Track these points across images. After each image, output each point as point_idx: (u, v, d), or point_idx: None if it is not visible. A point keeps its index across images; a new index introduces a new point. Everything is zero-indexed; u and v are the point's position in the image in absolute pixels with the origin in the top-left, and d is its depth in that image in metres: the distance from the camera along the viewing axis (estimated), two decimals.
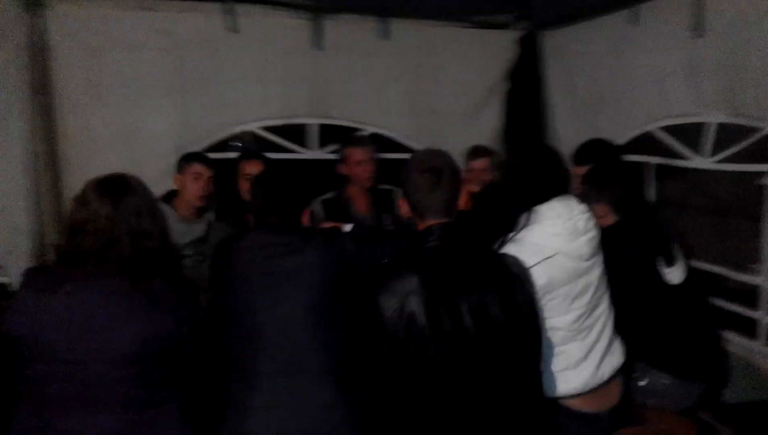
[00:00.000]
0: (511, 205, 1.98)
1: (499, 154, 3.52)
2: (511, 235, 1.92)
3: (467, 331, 1.56)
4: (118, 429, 1.57)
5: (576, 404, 1.93)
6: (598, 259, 2.01)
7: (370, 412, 1.65)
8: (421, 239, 1.68)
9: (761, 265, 2.53)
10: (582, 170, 2.54)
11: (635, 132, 2.99)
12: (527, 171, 1.97)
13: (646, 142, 2.98)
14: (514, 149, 2.14)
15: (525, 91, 3.87)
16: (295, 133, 3.69)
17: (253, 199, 2.00)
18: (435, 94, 3.78)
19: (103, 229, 1.57)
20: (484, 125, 3.87)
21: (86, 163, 3.19)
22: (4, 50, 3.01)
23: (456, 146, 3.41)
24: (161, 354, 1.61)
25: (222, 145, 3.57)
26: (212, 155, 3.32)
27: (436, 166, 1.69)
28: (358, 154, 3.21)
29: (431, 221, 1.68)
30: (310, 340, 1.80)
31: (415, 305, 1.54)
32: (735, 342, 2.64)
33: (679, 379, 2.22)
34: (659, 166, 2.95)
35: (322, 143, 3.69)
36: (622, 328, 2.10)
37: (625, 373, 2.08)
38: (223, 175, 3.13)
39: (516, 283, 1.68)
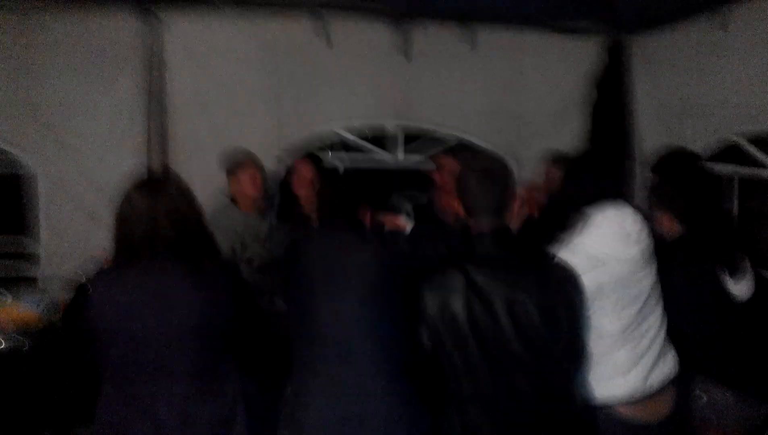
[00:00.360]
0: (568, 209, 2.02)
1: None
2: (565, 239, 1.96)
3: (504, 332, 1.66)
4: (186, 396, 1.77)
5: (624, 412, 1.93)
6: (651, 269, 2.00)
7: (419, 402, 1.82)
8: (471, 240, 1.77)
9: None
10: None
11: (720, 141, 2.94)
12: (585, 179, 2.04)
13: (732, 153, 2.92)
14: (574, 159, 2.16)
15: (610, 98, 3.84)
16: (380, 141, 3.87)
17: (319, 202, 2.14)
18: (518, 101, 3.85)
19: (145, 216, 1.74)
20: (567, 132, 3.89)
21: (191, 165, 3.48)
22: (125, 59, 3.35)
23: (537, 152, 3.50)
24: (220, 328, 1.80)
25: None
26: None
27: (489, 169, 1.79)
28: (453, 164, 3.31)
29: (482, 222, 1.76)
30: (364, 332, 1.91)
31: (456, 303, 1.65)
32: None
33: (744, 396, 2.16)
34: (744, 177, 2.88)
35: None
36: (684, 340, 2.10)
37: (679, 385, 2.07)
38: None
39: (560, 290, 1.75)
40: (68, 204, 3.37)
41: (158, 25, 3.36)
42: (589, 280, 1.83)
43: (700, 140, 3.08)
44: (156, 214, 1.74)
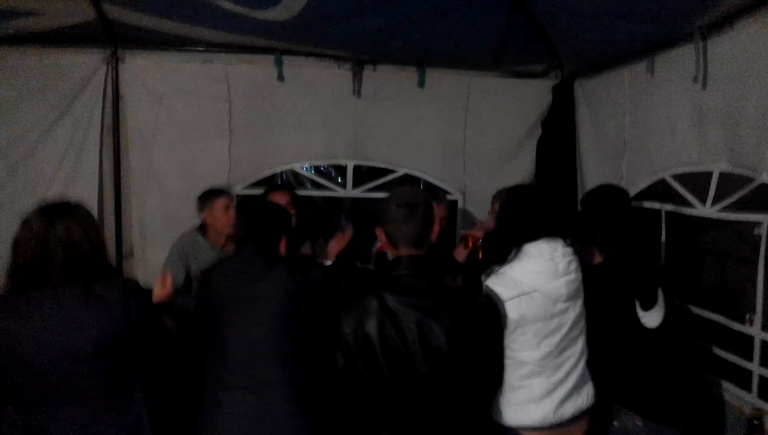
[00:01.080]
0: (503, 242, 2.11)
1: None
2: (497, 268, 2.04)
3: (413, 354, 1.72)
4: (87, 419, 1.80)
5: None
6: (577, 302, 2.06)
7: (326, 421, 1.86)
8: (390, 267, 1.85)
9: (755, 316, 2.50)
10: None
11: (652, 179, 3.03)
12: (519, 212, 2.09)
13: (662, 189, 3.02)
14: (510, 192, 2.23)
15: (557, 137, 3.98)
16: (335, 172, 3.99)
17: (235, 228, 2.23)
18: (468, 139, 3.98)
19: (38, 242, 1.78)
20: (516, 170, 4.00)
21: (147, 193, 3.62)
22: (85, 96, 3.51)
23: (488, 188, 3.58)
24: (117, 347, 1.83)
25: (265, 182, 3.90)
26: (255, 191, 3.71)
27: (411, 201, 1.86)
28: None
29: (403, 251, 1.85)
30: (273, 356, 1.98)
31: (371, 325, 1.73)
32: (731, 392, 2.58)
33: (652, 422, 2.20)
34: (672, 213, 2.97)
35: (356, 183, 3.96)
36: (598, 367, 2.14)
37: (592, 416, 2.11)
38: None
39: (471, 316, 1.79)
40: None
41: (117, 62, 3.53)
42: (512, 309, 1.93)
43: (635, 177, 3.19)
44: (48, 239, 1.78)
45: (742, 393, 2.53)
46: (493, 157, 4.00)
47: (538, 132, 4.03)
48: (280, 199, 3.06)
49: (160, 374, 2.01)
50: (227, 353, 1.99)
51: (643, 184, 3.11)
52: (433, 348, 1.72)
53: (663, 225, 3.00)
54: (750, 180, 2.38)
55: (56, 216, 1.83)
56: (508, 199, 2.20)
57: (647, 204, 3.08)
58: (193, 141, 3.67)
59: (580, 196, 3.73)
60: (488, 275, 2.04)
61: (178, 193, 3.57)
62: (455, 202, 3.98)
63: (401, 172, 3.93)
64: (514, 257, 2.03)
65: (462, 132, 3.96)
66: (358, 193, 3.93)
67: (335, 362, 1.77)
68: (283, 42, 3.54)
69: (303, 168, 4.06)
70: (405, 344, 1.72)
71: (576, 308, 2.06)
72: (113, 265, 2.05)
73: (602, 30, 2.91)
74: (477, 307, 1.84)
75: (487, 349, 1.83)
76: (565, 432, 2.03)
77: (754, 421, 2.32)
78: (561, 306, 2.00)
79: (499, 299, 1.95)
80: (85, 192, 3.49)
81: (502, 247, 2.09)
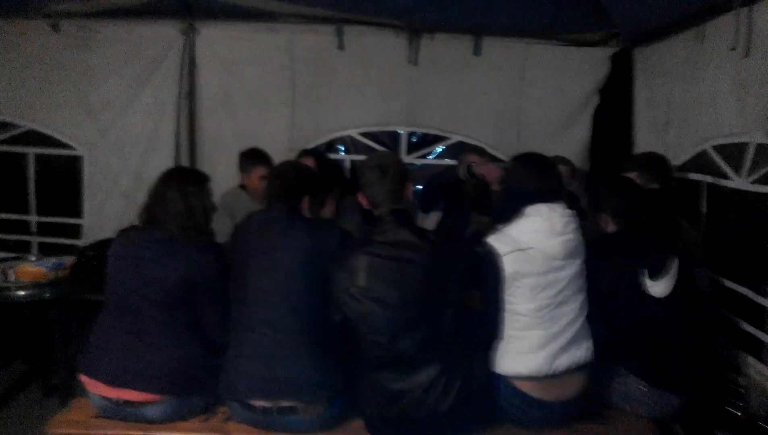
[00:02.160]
0: (507, 204, 2.23)
1: (575, 166, 3.66)
2: (500, 227, 2.17)
3: (405, 302, 1.97)
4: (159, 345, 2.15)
5: (525, 387, 2.11)
6: (574, 261, 2.14)
7: (333, 364, 2.12)
8: (374, 224, 2.08)
9: None
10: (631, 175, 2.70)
11: (695, 150, 3.00)
12: (523, 177, 2.22)
13: (705, 161, 2.99)
14: (515, 159, 2.35)
15: (614, 106, 3.94)
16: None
17: (266, 187, 2.42)
18: (523, 108, 4.02)
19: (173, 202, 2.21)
20: (571, 139, 4.00)
21: (216, 158, 3.94)
22: (165, 65, 3.86)
23: None
24: (188, 290, 2.16)
25: (327, 147, 4.13)
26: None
27: (382, 164, 2.09)
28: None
29: (382, 209, 2.08)
30: (287, 305, 2.16)
31: (361, 281, 1.98)
32: (748, 363, 2.57)
33: (653, 388, 2.25)
34: (712, 185, 2.93)
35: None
36: (604, 332, 2.21)
37: (589, 372, 2.19)
38: None
39: (452, 260, 2.03)
40: (107, 184, 3.88)
41: (193, 33, 3.84)
42: (508, 263, 2.08)
43: (680, 148, 3.15)
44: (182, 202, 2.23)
45: (759, 365, 2.53)
46: (548, 126, 4.01)
47: (596, 100, 3.99)
48: (307, 162, 3.23)
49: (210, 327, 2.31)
50: (248, 300, 2.19)
51: (686, 156, 3.07)
52: (411, 289, 1.97)
53: (705, 197, 2.97)
54: None
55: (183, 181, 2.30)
56: (513, 166, 2.33)
57: (691, 175, 3.06)
58: (259, 107, 3.96)
59: None
60: (492, 233, 2.16)
61: None
62: None
63: (455, 139, 4.04)
64: (516, 217, 2.15)
65: (518, 100, 4.00)
66: (412, 158, 4.09)
67: (333, 315, 2.07)
68: (341, 11, 3.71)
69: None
70: (391, 293, 1.97)
71: (573, 267, 2.14)
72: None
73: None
74: (459, 253, 2.07)
75: (460, 287, 2.05)
76: (558, 383, 2.12)
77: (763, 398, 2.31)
78: (557, 263, 2.09)
79: (498, 254, 2.08)
80: (163, 152, 3.88)
81: (505, 208, 2.22)
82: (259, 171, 3.31)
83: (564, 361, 2.12)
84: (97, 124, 3.90)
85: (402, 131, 4.09)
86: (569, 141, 3.98)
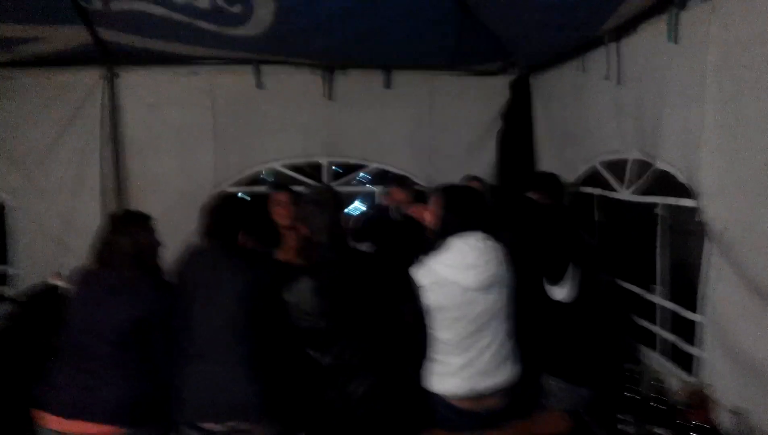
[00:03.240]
0: (437, 235, 2.37)
1: (488, 184, 3.98)
2: (425, 260, 2.34)
3: (342, 313, 2.22)
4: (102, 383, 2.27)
5: (454, 401, 2.31)
6: (490, 290, 2.27)
7: (274, 384, 2.31)
8: (315, 252, 2.32)
9: (661, 287, 2.83)
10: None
11: (587, 166, 3.37)
12: (447, 210, 2.36)
13: (595, 175, 3.36)
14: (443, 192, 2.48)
15: (516, 128, 4.30)
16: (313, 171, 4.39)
17: (200, 223, 2.53)
18: (433, 135, 4.33)
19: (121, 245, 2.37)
20: (480, 161, 4.34)
21: (144, 197, 4.05)
22: (86, 110, 3.97)
23: (453, 178, 3.93)
24: (140, 328, 2.29)
25: (252, 181, 4.32)
26: (243, 189, 4.14)
27: (320, 199, 2.35)
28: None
29: (319, 238, 2.32)
30: (229, 332, 2.34)
31: (308, 299, 2.23)
32: (644, 353, 2.89)
33: (566, 383, 2.51)
34: (601, 196, 3.31)
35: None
36: (525, 337, 2.43)
37: (513, 387, 2.37)
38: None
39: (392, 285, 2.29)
40: (33, 229, 3.94)
41: (114, 78, 3.98)
42: (428, 294, 2.27)
43: (575, 164, 3.52)
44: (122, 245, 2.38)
45: (652, 354, 2.85)
46: (457, 150, 4.33)
47: (499, 124, 4.35)
48: (282, 197, 3.26)
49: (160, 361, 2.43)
50: (192, 329, 2.35)
51: (580, 171, 3.43)
52: (353, 305, 2.24)
53: (597, 208, 3.33)
54: (649, 166, 2.70)
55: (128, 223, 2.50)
56: (442, 199, 2.44)
57: (584, 189, 3.43)
58: (183, 146, 4.11)
59: None
60: (417, 263, 2.34)
61: (173, 193, 4.01)
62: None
63: (372, 166, 4.32)
64: (439, 249, 2.32)
65: (427, 127, 4.31)
66: (337, 186, 4.31)
67: (284, 328, 2.27)
68: (259, 54, 3.94)
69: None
70: (336, 306, 2.24)
71: (489, 296, 2.28)
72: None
73: (540, 34, 3.24)
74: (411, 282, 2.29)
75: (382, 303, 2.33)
76: (484, 400, 2.32)
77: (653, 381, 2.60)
78: (470, 295, 2.24)
79: (420, 284, 2.28)
80: (90, 195, 3.97)
81: (435, 239, 2.37)
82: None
83: (481, 385, 2.30)
84: (21, 171, 3.95)
85: (323, 162, 4.31)
86: (477, 163, 4.30)
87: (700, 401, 2.23)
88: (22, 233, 4.00)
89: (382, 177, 4.59)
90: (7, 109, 3.91)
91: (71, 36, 3.59)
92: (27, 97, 3.92)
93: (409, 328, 2.37)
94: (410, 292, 2.31)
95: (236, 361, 2.32)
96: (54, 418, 2.26)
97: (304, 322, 2.26)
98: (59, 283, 3.35)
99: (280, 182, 4.24)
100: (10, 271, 4.01)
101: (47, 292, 3.40)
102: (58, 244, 3.92)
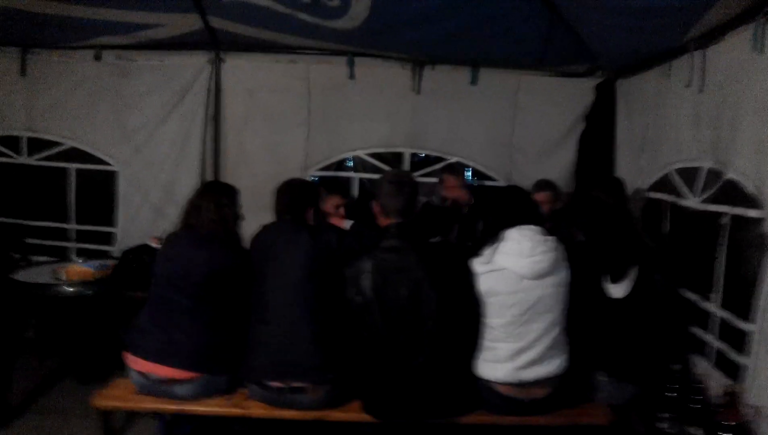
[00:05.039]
0: (491, 228, 2.54)
1: (561, 188, 4.04)
2: (482, 249, 2.49)
3: (401, 302, 2.33)
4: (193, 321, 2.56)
5: (499, 388, 2.44)
6: (544, 280, 2.39)
7: (338, 350, 2.49)
8: (382, 233, 2.43)
9: (715, 295, 2.81)
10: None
11: (661, 172, 3.37)
12: (500, 205, 2.59)
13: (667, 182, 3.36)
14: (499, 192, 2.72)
15: (598, 131, 4.31)
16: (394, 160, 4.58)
17: (274, 202, 2.76)
18: (515, 133, 4.42)
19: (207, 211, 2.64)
20: (558, 161, 4.39)
21: (239, 173, 4.36)
22: (193, 91, 4.32)
23: (530, 178, 4.03)
24: (212, 283, 2.56)
25: (338, 165, 4.56)
26: (328, 173, 4.41)
27: (399, 180, 2.46)
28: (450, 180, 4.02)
29: (391, 220, 2.44)
30: (300, 300, 2.53)
31: (366, 282, 2.36)
32: (690, 357, 2.89)
33: (611, 378, 2.58)
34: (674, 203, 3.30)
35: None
36: (577, 331, 2.52)
37: (559, 379, 2.46)
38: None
39: (444, 270, 2.39)
40: (139, 197, 4.34)
41: (219, 63, 4.30)
42: (483, 281, 2.43)
43: (651, 170, 3.53)
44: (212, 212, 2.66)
45: (698, 358, 2.86)
46: (538, 149, 4.40)
47: (582, 126, 4.38)
48: (334, 200, 3.53)
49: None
50: (264, 297, 2.58)
51: (655, 177, 3.45)
52: (418, 296, 2.32)
53: (668, 214, 3.34)
54: (718, 175, 2.69)
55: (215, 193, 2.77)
56: (494, 199, 2.69)
57: (654, 194, 3.47)
58: (277, 129, 4.39)
59: None
60: (476, 254, 2.49)
61: (264, 174, 4.26)
62: None
63: (453, 159, 4.44)
64: (495, 242, 2.47)
65: (510, 125, 4.40)
66: (416, 176, 4.47)
67: (341, 310, 2.44)
68: (353, 46, 4.15)
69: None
70: (395, 294, 2.34)
71: (543, 286, 2.39)
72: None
73: (624, 38, 3.27)
74: (451, 264, 2.44)
75: (443, 297, 2.38)
76: (530, 389, 2.44)
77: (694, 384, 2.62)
78: (525, 283, 2.37)
79: (476, 273, 2.43)
80: (189, 170, 4.33)
81: (487, 234, 2.53)
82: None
83: (530, 374, 2.42)
84: (132, 143, 4.35)
85: (406, 152, 4.48)
86: (557, 163, 4.36)
87: (732, 401, 2.28)
88: (129, 200, 4.42)
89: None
90: (126, 87, 4.32)
91: (186, 23, 3.92)
92: (142, 78, 4.31)
93: (462, 316, 2.48)
94: (467, 280, 2.44)
95: (301, 326, 2.51)
96: (140, 360, 2.55)
97: (357, 299, 2.38)
98: (155, 245, 3.69)
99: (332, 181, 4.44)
100: (117, 232, 4.44)
101: (144, 251, 3.75)
102: (158, 212, 4.33)
